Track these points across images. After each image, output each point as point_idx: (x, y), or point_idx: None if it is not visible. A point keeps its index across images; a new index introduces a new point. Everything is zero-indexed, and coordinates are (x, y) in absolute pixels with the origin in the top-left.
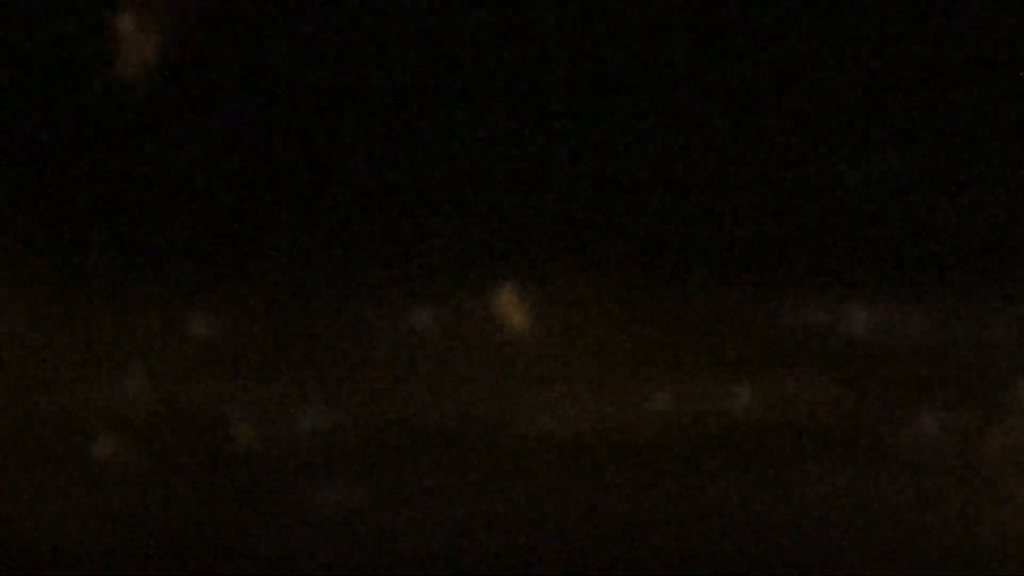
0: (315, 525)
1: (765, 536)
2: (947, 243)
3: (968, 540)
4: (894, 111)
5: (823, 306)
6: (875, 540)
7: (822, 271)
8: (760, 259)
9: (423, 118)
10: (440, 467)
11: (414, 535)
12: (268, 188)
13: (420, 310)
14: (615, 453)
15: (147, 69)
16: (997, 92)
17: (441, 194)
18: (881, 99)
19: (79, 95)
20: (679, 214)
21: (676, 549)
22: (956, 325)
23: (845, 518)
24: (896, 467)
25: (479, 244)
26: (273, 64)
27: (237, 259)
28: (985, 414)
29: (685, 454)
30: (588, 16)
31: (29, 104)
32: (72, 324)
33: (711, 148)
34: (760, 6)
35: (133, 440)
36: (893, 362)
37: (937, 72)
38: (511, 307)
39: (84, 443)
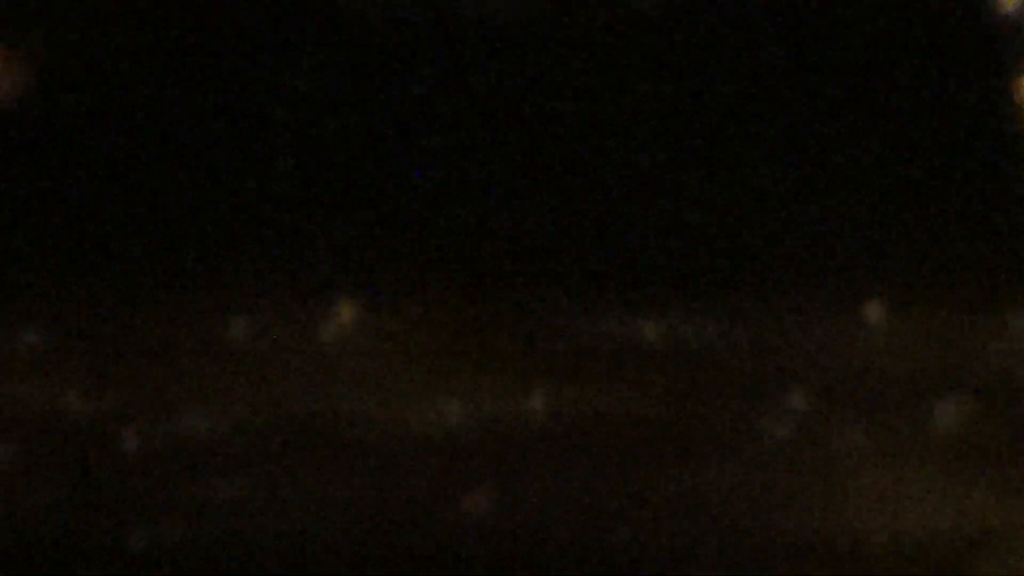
0: (196, 523)
1: (562, 533)
2: (734, 257)
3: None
4: (686, 129)
5: (618, 316)
6: (659, 539)
7: (618, 283)
8: (560, 273)
9: (261, 134)
10: (311, 465)
11: (291, 532)
12: (106, 202)
13: (274, 319)
14: (447, 454)
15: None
16: (784, 113)
17: (290, 214)
18: (674, 117)
19: None
20: (486, 233)
21: (481, 544)
22: (742, 334)
23: (635, 516)
24: (693, 466)
25: (324, 261)
26: (114, 81)
27: (74, 270)
28: (771, 418)
29: (485, 456)
30: (420, 43)
31: None
32: None
33: (512, 170)
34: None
35: (17, 443)
36: (684, 369)
37: (728, 94)
38: (352, 318)
39: None
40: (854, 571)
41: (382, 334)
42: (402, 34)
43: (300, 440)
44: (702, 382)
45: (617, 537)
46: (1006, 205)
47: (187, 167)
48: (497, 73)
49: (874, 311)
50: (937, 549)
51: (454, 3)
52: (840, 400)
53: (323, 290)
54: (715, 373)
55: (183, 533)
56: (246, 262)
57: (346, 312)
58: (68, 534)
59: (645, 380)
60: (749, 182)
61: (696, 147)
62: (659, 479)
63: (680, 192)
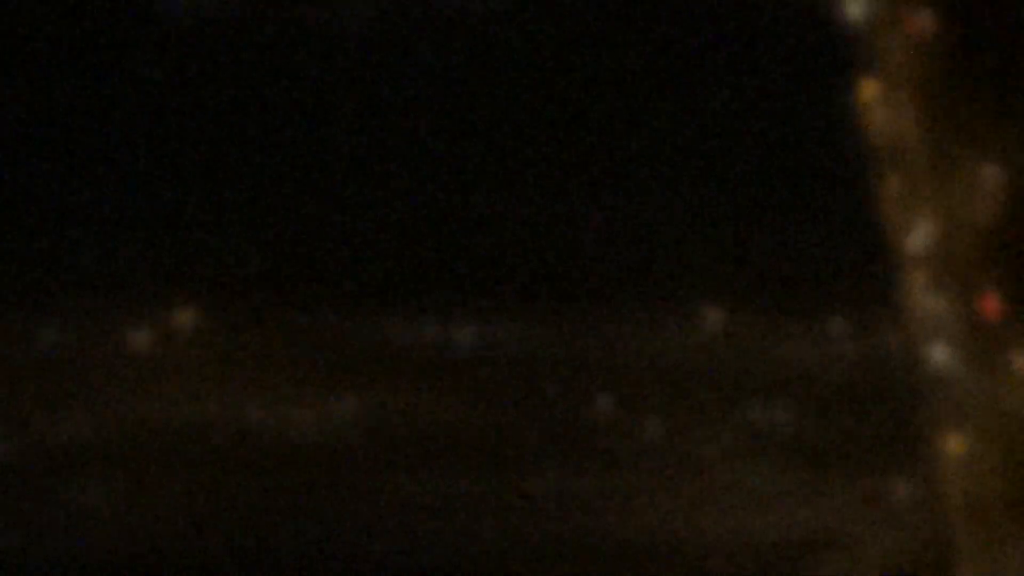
0: (62, 526)
1: (379, 539)
2: (545, 267)
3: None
4: (503, 133)
5: (434, 324)
6: (474, 543)
7: (433, 292)
8: (379, 282)
9: (82, 137)
10: (168, 468)
11: (151, 533)
12: None
13: (119, 329)
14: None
15: None
16: (613, 115)
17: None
18: (492, 121)
19: None
20: (308, 242)
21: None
22: (552, 342)
23: (449, 521)
24: (511, 470)
25: (164, 271)
26: None
27: None
28: (577, 426)
29: (303, 461)
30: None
31: None
32: None
33: (325, 179)
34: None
35: None
36: (497, 375)
37: (557, 97)
38: (171, 327)
39: None
40: (690, 574)
41: (195, 343)
42: (230, 41)
43: (122, 448)
44: (519, 387)
45: (431, 542)
46: (842, 211)
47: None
48: (308, 82)
49: (707, 315)
50: (775, 552)
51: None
52: (671, 404)
53: (149, 299)
54: (534, 378)
55: (52, 535)
56: (61, 275)
57: (171, 321)
58: None
59: (459, 386)
60: (574, 187)
61: (515, 150)
62: (475, 484)
63: (499, 198)
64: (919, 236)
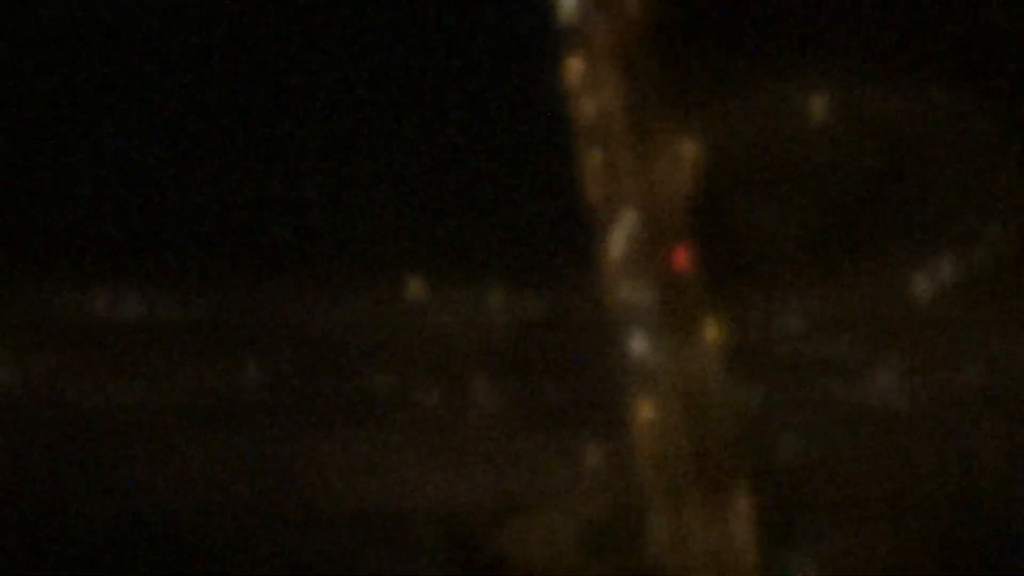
0: None
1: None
2: (240, 236)
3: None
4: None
5: (98, 290)
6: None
7: (97, 258)
8: (40, 249)
9: None
10: None
11: None
12: None
13: None
14: None
15: None
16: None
17: None
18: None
19: None
20: None
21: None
22: (234, 311)
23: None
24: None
25: None
26: None
27: None
28: (218, 389)
29: None
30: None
31: None
32: None
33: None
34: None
35: None
36: (169, 346)
37: (251, 80)
38: None
39: None
40: (389, 540)
41: None
42: None
43: None
44: (191, 358)
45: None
46: (547, 188)
47: None
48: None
49: (407, 285)
50: (475, 515)
51: None
52: (366, 372)
53: None
54: (211, 348)
55: None
56: None
57: None
58: None
59: (124, 355)
60: (272, 156)
61: (207, 112)
62: (131, 456)
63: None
64: (619, 211)
